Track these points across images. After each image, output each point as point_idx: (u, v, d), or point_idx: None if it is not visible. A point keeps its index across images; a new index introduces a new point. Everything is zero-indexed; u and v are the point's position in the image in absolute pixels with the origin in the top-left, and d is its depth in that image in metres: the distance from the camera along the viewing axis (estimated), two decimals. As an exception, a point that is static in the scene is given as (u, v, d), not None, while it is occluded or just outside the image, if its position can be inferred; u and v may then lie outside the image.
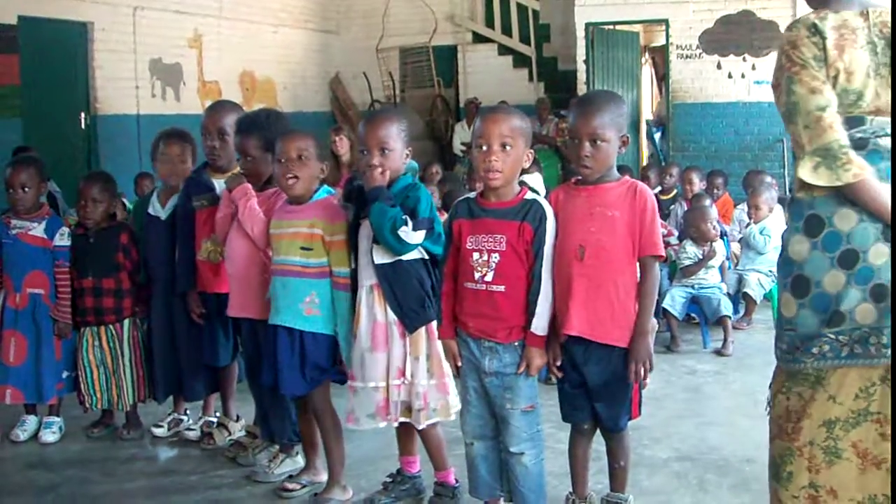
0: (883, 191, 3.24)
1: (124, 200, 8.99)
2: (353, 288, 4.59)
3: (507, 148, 4.01)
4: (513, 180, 4.11)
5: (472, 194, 4.28)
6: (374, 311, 4.46)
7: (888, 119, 3.35)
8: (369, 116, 4.59)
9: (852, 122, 3.34)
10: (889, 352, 3.26)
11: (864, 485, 3.33)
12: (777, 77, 3.42)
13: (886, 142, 3.34)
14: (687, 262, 8.10)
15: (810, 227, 3.36)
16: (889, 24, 3.36)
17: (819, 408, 3.37)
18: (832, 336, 3.32)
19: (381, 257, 4.39)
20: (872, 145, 3.33)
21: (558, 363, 4.17)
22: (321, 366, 4.69)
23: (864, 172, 3.21)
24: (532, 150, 4.19)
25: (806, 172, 3.29)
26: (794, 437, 3.42)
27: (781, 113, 3.40)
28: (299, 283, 4.66)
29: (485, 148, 4.03)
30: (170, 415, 5.95)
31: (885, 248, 3.26)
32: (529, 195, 4.13)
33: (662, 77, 18.25)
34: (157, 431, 5.88)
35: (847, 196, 3.28)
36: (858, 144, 3.32)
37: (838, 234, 3.31)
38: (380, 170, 4.33)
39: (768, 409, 3.56)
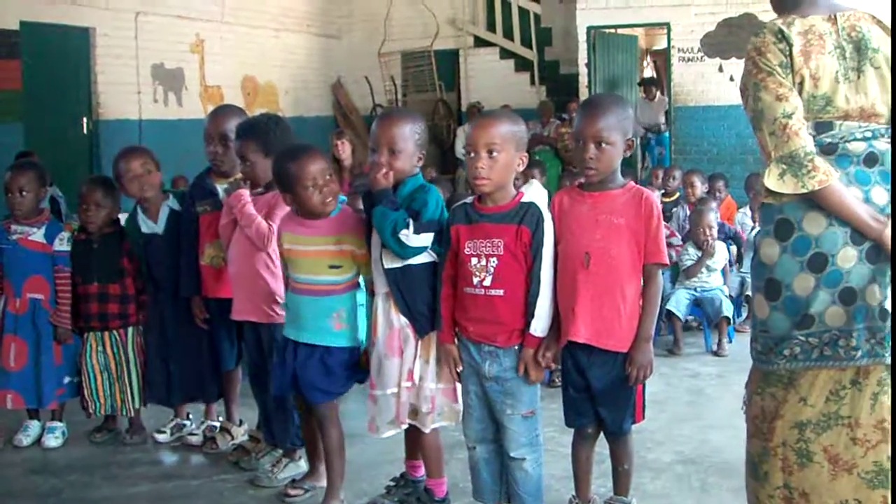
0: (849, 196, 3.29)
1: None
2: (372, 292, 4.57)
3: (494, 154, 3.99)
4: (504, 185, 4.09)
5: (469, 199, 4.25)
6: (391, 317, 4.40)
7: (857, 123, 3.39)
8: (383, 114, 4.53)
9: (821, 127, 3.39)
10: (858, 354, 3.32)
11: (835, 491, 3.38)
12: (744, 82, 3.46)
13: (856, 146, 3.38)
14: (689, 264, 8.12)
15: (780, 231, 3.40)
16: (858, 28, 3.41)
17: (791, 409, 3.43)
18: (802, 338, 3.37)
19: (390, 262, 4.34)
20: (841, 150, 3.37)
21: (552, 366, 4.19)
22: (348, 375, 4.64)
23: (829, 179, 3.26)
24: (527, 154, 4.16)
25: (772, 180, 3.34)
26: (769, 438, 3.49)
27: (749, 118, 3.44)
28: (328, 301, 4.58)
29: (472, 154, 4.03)
30: (172, 420, 5.94)
31: (852, 252, 3.31)
32: (526, 198, 4.11)
33: (641, 82, 18.00)
34: (160, 437, 5.86)
35: (815, 201, 3.32)
36: (828, 149, 3.37)
37: (807, 238, 3.35)
38: (384, 170, 4.28)
39: (744, 407, 3.66)
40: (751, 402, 3.57)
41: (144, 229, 5.69)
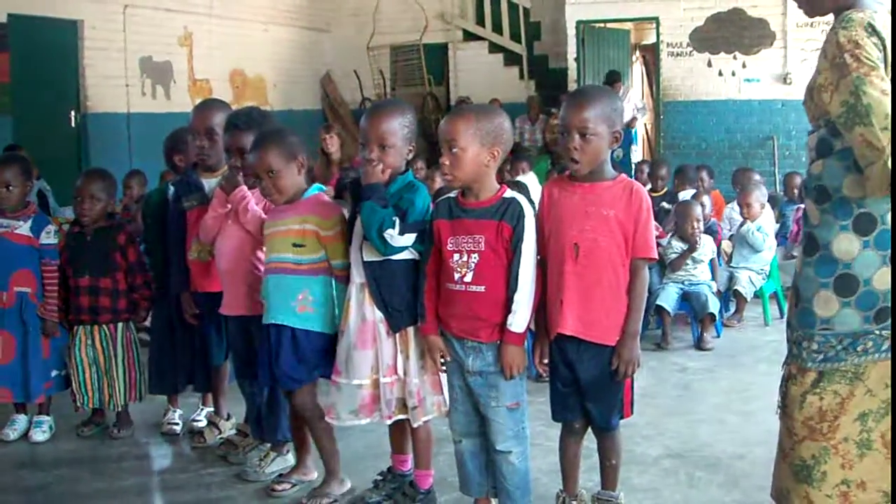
0: None
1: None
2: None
3: (455, 150, 4.00)
4: (475, 180, 4.08)
5: (453, 194, 4.24)
6: (364, 309, 4.42)
7: None
8: (372, 108, 4.51)
9: None
10: None
11: (887, 475, 3.36)
12: (828, 77, 3.29)
13: None
14: (673, 257, 8.13)
15: (861, 226, 3.33)
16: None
17: (857, 402, 3.38)
18: (878, 332, 3.35)
19: (369, 255, 4.35)
20: None
21: (545, 360, 4.20)
22: (314, 362, 4.64)
23: None
24: (501, 149, 4.10)
25: None
26: (831, 436, 3.41)
27: (839, 113, 3.24)
28: (292, 280, 4.62)
29: (442, 150, 4.05)
30: (174, 411, 5.97)
31: None
32: (508, 193, 4.10)
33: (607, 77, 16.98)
34: (176, 428, 5.89)
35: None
36: None
37: (889, 231, 3.32)
38: (380, 166, 4.29)
39: (780, 411, 3.55)
40: (804, 405, 3.45)
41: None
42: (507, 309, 4.03)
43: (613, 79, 14.65)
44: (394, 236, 4.19)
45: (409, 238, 4.25)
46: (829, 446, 3.41)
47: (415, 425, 4.46)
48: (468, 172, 4.03)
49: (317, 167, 7.75)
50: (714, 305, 7.92)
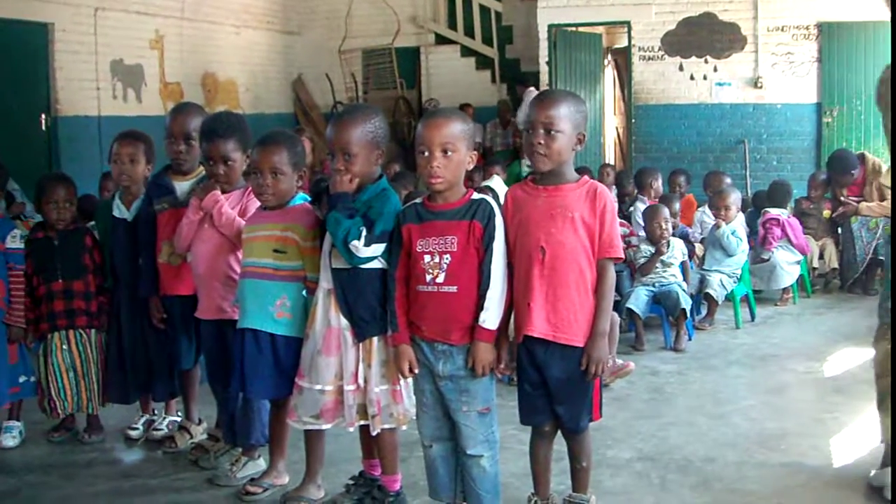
0: None
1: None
2: None
3: (449, 153, 4.04)
4: (457, 183, 4.13)
5: (419, 199, 4.27)
6: (329, 315, 4.43)
7: None
8: (335, 117, 4.51)
9: None
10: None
11: None
12: None
13: None
14: (642, 261, 8.15)
15: None
16: None
17: None
18: None
19: (337, 262, 4.36)
20: None
21: (502, 365, 4.21)
22: (292, 370, 4.62)
23: None
24: (476, 152, 4.22)
25: None
26: None
27: None
28: (270, 285, 4.64)
29: (426, 154, 4.05)
30: (142, 417, 5.95)
31: None
32: (476, 195, 4.15)
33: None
34: (134, 434, 5.87)
35: None
36: None
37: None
38: (347, 176, 4.31)
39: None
40: None
41: (116, 213, 5.67)
42: (479, 309, 4.05)
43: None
44: (359, 248, 4.19)
45: (377, 248, 4.25)
46: None
47: (373, 433, 4.47)
48: (457, 175, 4.11)
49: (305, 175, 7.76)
50: (686, 302, 7.93)
